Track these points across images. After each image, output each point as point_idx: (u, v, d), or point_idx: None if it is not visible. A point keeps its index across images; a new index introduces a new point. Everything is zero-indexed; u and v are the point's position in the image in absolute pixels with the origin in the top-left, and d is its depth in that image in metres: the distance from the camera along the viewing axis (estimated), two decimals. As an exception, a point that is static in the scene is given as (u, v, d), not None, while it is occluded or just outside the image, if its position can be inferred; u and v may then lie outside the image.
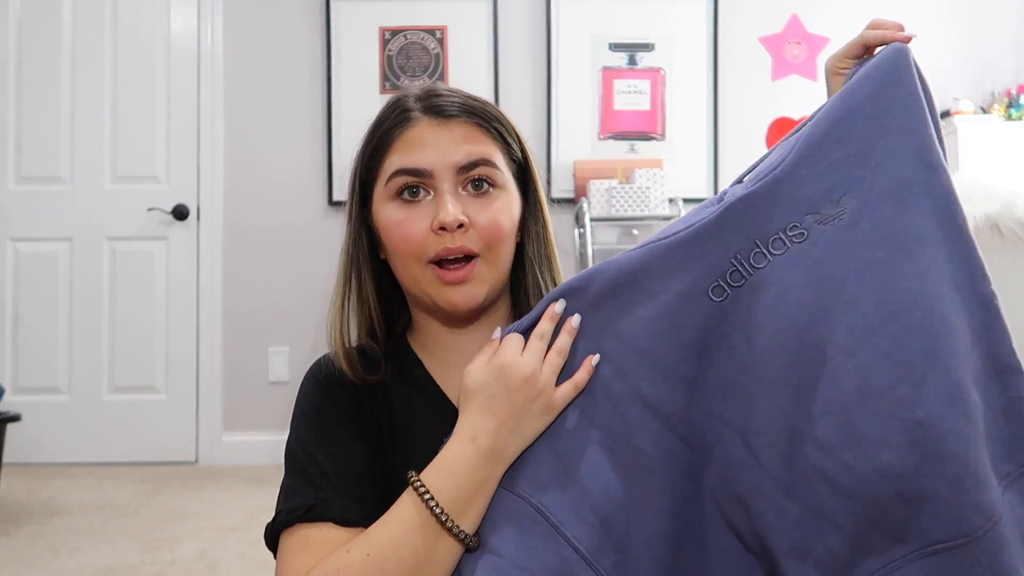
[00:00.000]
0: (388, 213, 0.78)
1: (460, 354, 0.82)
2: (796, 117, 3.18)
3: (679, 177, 3.08)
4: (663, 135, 3.15)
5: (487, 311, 0.82)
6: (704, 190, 3.13)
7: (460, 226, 0.74)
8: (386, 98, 3.38)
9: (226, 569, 1.87)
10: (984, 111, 2.92)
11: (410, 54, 3.12)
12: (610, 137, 3.15)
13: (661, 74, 3.16)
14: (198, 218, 3.10)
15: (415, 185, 0.76)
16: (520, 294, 0.83)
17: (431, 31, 3.13)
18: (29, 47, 3.10)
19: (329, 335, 0.82)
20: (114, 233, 3.08)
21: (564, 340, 0.71)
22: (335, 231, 3.55)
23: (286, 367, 3.07)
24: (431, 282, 0.76)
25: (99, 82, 3.10)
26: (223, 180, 3.11)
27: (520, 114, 3.08)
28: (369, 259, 0.83)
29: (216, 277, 3.09)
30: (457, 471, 0.69)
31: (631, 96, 3.15)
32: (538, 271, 0.82)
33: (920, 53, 2.57)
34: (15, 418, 2.39)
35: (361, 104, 3.11)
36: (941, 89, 3.13)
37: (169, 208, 3.07)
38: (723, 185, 3.13)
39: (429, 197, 0.76)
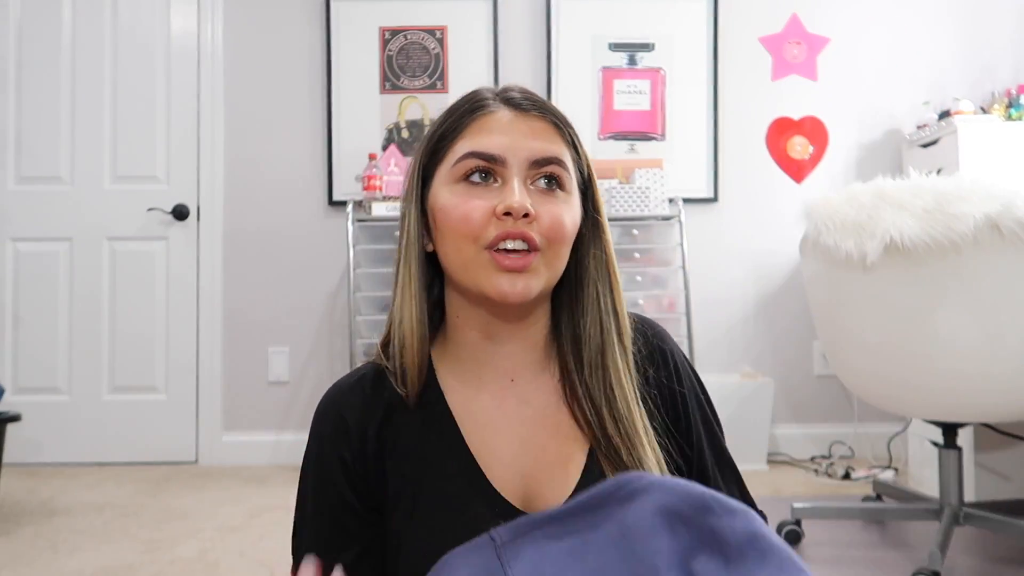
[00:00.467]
0: (449, 193, 0.73)
1: (491, 369, 0.78)
2: (796, 117, 3.18)
3: (679, 177, 3.08)
4: (663, 135, 3.15)
5: (527, 322, 0.78)
6: (704, 190, 3.14)
7: (525, 215, 0.70)
8: (386, 98, 3.37)
9: (226, 569, 1.87)
10: (984, 111, 2.91)
11: (410, 54, 3.12)
12: (610, 137, 3.15)
13: (661, 74, 3.16)
14: (198, 218, 3.10)
15: (484, 170, 0.73)
16: (566, 310, 0.79)
17: (431, 31, 3.13)
18: (29, 47, 3.10)
19: (396, 332, 0.76)
20: (114, 233, 3.08)
21: None
22: (335, 231, 3.58)
23: (286, 367, 3.07)
24: (484, 267, 0.71)
25: (99, 82, 3.10)
26: (223, 180, 3.11)
27: (520, 114, 3.08)
28: (419, 244, 0.77)
29: (216, 277, 3.09)
30: None
31: (631, 96, 3.15)
32: (598, 287, 0.78)
33: (920, 53, 2.59)
34: (15, 418, 2.39)
35: (361, 104, 3.11)
36: (941, 89, 3.14)
37: (169, 208, 3.07)
38: (723, 185, 3.16)
39: (496, 184, 0.73)
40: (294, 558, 0.78)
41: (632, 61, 3.16)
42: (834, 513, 2.12)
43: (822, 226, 1.79)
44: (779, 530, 1.93)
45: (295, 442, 3.01)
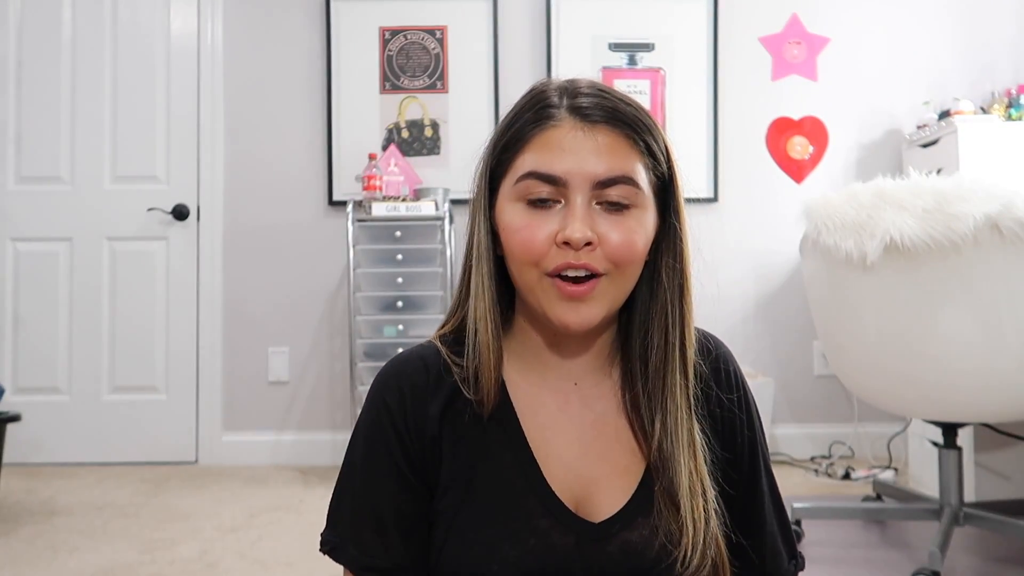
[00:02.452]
0: (512, 215, 0.72)
1: (555, 371, 0.77)
2: (796, 117, 3.18)
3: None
4: (663, 135, 3.15)
5: (595, 338, 0.77)
6: (704, 190, 3.14)
7: (587, 244, 0.69)
8: (386, 98, 3.36)
9: (226, 569, 1.87)
10: (984, 111, 2.91)
11: (410, 54, 3.12)
12: (610, 137, 3.15)
13: (661, 74, 3.16)
14: (198, 218, 3.10)
15: (546, 190, 0.70)
16: (638, 319, 0.77)
17: (431, 31, 3.13)
18: (29, 47, 3.10)
19: (471, 340, 0.75)
20: (114, 233, 3.08)
21: None
22: (335, 231, 3.57)
23: (286, 367, 3.07)
24: (546, 292, 0.70)
25: (99, 82, 3.10)
26: (223, 180, 3.11)
27: (520, 114, 3.08)
28: (490, 254, 0.76)
29: (216, 277, 3.09)
30: None
31: (631, 96, 3.15)
32: (668, 298, 0.75)
33: (920, 53, 2.59)
34: (15, 418, 2.39)
35: (361, 104, 3.11)
36: (941, 89, 3.14)
37: (169, 208, 3.07)
38: (723, 185, 3.15)
39: (559, 206, 0.70)
40: (331, 533, 0.76)
41: (632, 61, 3.16)
42: (834, 513, 2.12)
43: (822, 226, 1.79)
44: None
45: (295, 442, 3.01)
